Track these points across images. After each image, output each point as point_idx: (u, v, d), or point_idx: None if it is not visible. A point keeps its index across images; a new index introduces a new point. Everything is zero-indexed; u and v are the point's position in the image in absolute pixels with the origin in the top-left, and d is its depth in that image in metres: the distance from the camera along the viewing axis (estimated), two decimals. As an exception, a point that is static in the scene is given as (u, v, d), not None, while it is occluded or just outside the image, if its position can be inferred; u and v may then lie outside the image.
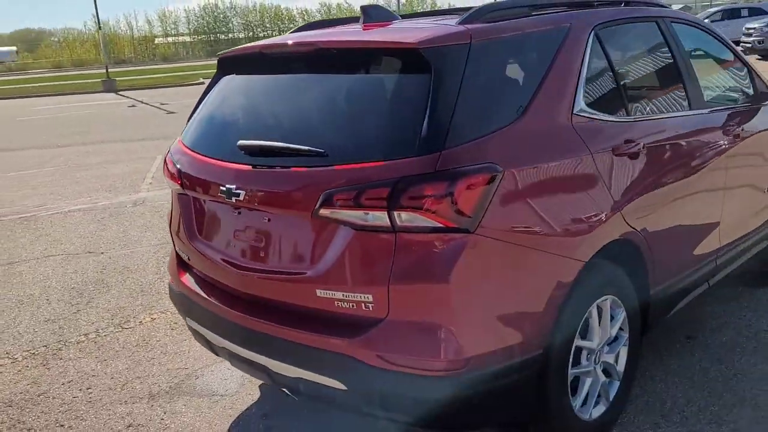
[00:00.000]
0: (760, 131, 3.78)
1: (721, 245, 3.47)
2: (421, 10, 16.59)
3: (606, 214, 2.54)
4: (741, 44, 21.15)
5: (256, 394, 3.26)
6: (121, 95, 25.59)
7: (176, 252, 3.01)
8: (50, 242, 6.23)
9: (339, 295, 2.25)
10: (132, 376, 3.54)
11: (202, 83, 25.34)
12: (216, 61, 3.03)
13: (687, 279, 3.24)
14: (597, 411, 2.73)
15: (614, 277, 2.70)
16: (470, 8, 2.64)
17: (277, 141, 2.42)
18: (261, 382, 3.26)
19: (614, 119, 2.76)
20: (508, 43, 2.51)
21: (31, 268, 5.48)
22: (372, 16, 2.81)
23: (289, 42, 2.63)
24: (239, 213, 2.56)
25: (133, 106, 21.02)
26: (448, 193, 2.09)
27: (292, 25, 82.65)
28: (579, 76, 2.65)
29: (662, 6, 3.58)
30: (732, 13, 26.82)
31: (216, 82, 2.98)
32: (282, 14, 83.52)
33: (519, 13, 2.69)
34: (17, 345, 4.03)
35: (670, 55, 3.28)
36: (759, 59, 20.61)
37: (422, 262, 2.13)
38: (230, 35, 79.16)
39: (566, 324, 2.44)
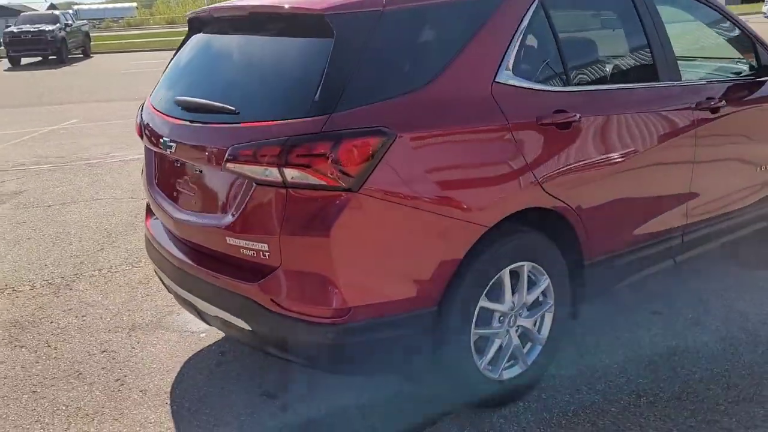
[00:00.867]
0: (751, 106, 3.65)
1: (688, 222, 3.42)
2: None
3: (518, 183, 2.60)
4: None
5: (222, 335, 3.54)
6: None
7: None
8: (102, 187, 6.76)
9: (243, 243, 2.46)
10: (123, 309, 3.91)
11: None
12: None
13: (639, 253, 3.23)
14: (511, 372, 2.82)
15: (533, 245, 2.76)
16: None
17: (204, 98, 2.63)
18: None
19: (546, 89, 2.78)
20: (427, 12, 2.58)
21: (78, 209, 5.99)
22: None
23: (230, 6, 2.81)
24: (179, 164, 2.80)
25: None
26: (332, 153, 2.23)
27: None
28: (509, 44, 2.69)
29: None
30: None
31: (185, 42, 3.21)
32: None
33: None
34: (39, 275, 4.49)
35: (638, 25, 3.22)
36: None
37: (308, 217, 2.30)
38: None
39: (468, 285, 2.54)
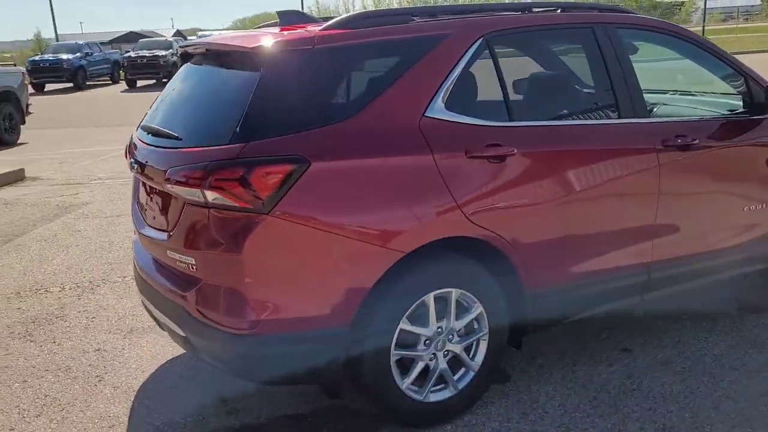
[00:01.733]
0: (737, 144, 3.58)
1: (654, 259, 3.39)
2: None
3: (438, 212, 2.72)
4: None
5: (204, 341, 3.81)
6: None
7: None
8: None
9: (177, 256, 2.72)
10: (129, 313, 4.27)
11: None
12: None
13: (595, 287, 3.24)
14: (438, 395, 2.92)
15: (462, 272, 2.86)
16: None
17: (165, 125, 2.92)
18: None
19: (480, 123, 2.88)
20: (358, 50, 2.77)
21: (128, 221, 6.49)
22: (287, 20, 3.18)
23: (197, 42, 3.10)
24: (144, 184, 3.11)
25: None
26: (245, 177, 2.45)
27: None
28: (444, 81, 2.83)
29: (619, 11, 3.54)
30: None
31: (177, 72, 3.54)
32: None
33: (399, 20, 2.92)
34: (73, 278, 4.95)
35: (597, 63, 3.27)
36: None
37: (224, 235, 2.52)
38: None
39: (387, 307, 2.69)
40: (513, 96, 3.03)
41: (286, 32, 2.84)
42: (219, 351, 2.63)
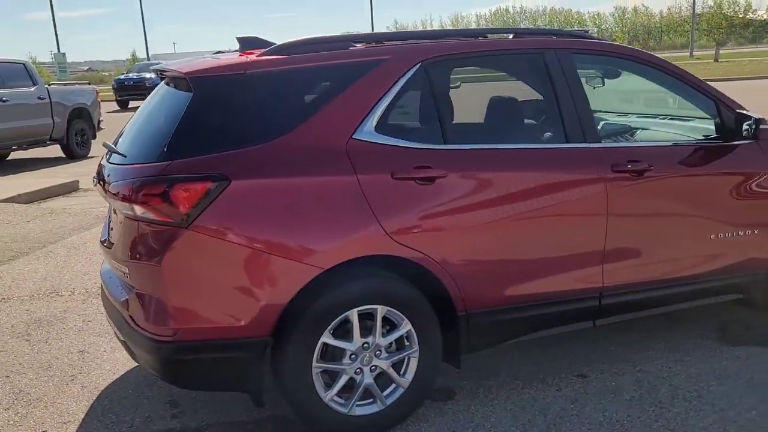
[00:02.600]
0: (704, 170, 3.52)
1: (606, 285, 3.36)
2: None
3: (359, 231, 2.81)
4: None
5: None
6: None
7: None
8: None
9: (118, 265, 2.92)
10: (122, 319, 4.52)
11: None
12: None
13: (539, 310, 3.25)
14: (365, 409, 2.99)
15: (388, 290, 2.93)
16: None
17: (117, 143, 3.15)
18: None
19: (409, 146, 2.96)
20: (289, 75, 2.91)
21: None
22: (245, 45, 3.35)
23: (161, 67, 3.32)
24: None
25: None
26: (166, 193, 2.63)
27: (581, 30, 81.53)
28: (375, 105, 2.94)
29: (580, 38, 3.55)
30: None
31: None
32: (573, 18, 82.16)
33: (338, 46, 3.05)
34: (84, 284, 5.28)
35: (545, 88, 3.30)
36: None
37: (148, 247, 2.71)
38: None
39: (308, 320, 2.80)
40: (453, 119, 3.10)
41: (226, 58, 3.02)
42: (147, 356, 2.81)
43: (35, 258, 6.08)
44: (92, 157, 12.96)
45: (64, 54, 38.83)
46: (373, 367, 2.99)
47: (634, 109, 4.81)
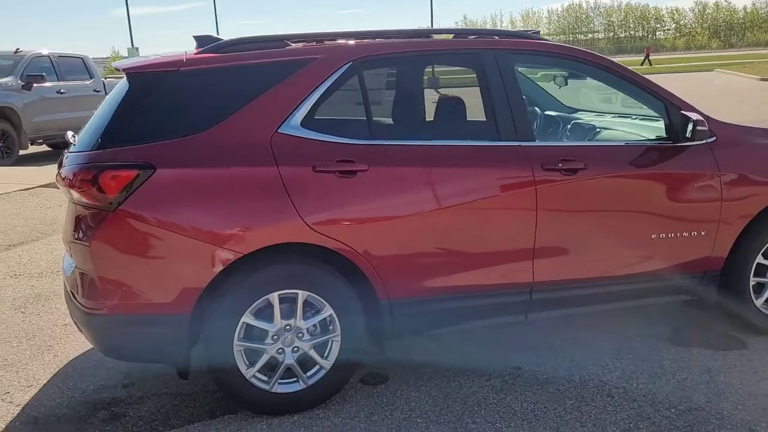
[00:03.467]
0: (634, 172, 3.54)
1: (536, 280, 3.44)
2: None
3: (277, 219, 3.00)
4: None
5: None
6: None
7: None
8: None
9: (66, 245, 3.21)
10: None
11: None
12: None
13: (464, 302, 3.36)
14: (287, 387, 3.18)
15: (309, 276, 3.11)
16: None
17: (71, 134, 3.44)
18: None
19: (332, 140, 3.13)
20: (225, 71, 3.13)
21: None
22: (201, 43, 3.58)
23: (118, 63, 3.59)
24: None
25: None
26: (95, 179, 2.89)
27: (658, 26, 79.50)
28: (303, 101, 3.12)
29: (523, 38, 3.63)
30: None
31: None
32: (649, 14, 79.70)
33: (273, 45, 3.25)
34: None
35: (484, 86, 3.39)
36: None
37: (82, 228, 2.98)
38: (589, 35, 78.64)
39: (228, 301, 3.01)
40: (374, 117, 3.24)
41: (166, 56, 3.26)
42: (83, 327, 3.08)
43: (56, 240, 6.52)
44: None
45: (137, 48, 40.85)
46: (296, 348, 3.17)
47: (612, 109, 4.81)
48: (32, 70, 11.96)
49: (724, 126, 3.74)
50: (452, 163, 3.27)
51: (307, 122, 3.12)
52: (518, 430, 3.06)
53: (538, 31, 3.79)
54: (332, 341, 3.22)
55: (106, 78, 14.68)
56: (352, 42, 3.37)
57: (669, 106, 3.63)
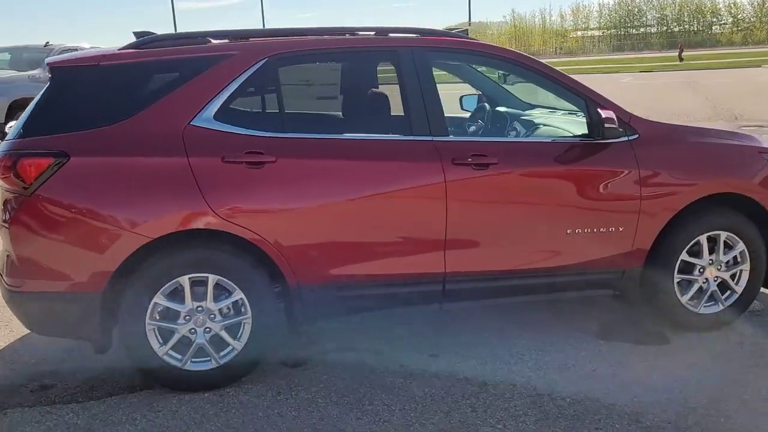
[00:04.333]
0: (550, 168, 3.62)
1: (448, 271, 3.55)
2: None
3: (184, 207, 3.19)
4: None
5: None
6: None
7: None
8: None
9: None
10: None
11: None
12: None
13: (374, 290, 3.50)
14: (200, 366, 3.37)
15: (218, 261, 3.29)
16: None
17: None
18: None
19: (243, 132, 3.30)
20: (143, 66, 3.34)
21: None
22: (136, 39, 3.78)
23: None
24: None
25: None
26: (14, 166, 3.12)
27: (714, 20, 77.18)
28: (218, 95, 3.31)
29: (443, 36, 3.73)
30: None
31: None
32: (705, 7, 77.28)
33: (193, 42, 3.44)
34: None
35: (400, 81, 3.51)
36: None
37: (4, 210, 3.22)
38: (642, 29, 76.88)
39: (140, 281, 3.22)
40: (286, 111, 3.40)
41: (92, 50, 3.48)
42: (8, 304, 3.33)
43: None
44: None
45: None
46: (208, 329, 3.36)
47: (565, 107, 4.85)
48: (60, 63, 12.41)
49: (648, 124, 3.78)
50: (361, 156, 3.41)
51: (220, 115, 3.30)
52: (410, 413, 3.19)
53: (466, 31, 3.88)
54: (244, 323, 3.39)
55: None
56: (270, 39, 3.53)
57: (589, 104, 3.68)
